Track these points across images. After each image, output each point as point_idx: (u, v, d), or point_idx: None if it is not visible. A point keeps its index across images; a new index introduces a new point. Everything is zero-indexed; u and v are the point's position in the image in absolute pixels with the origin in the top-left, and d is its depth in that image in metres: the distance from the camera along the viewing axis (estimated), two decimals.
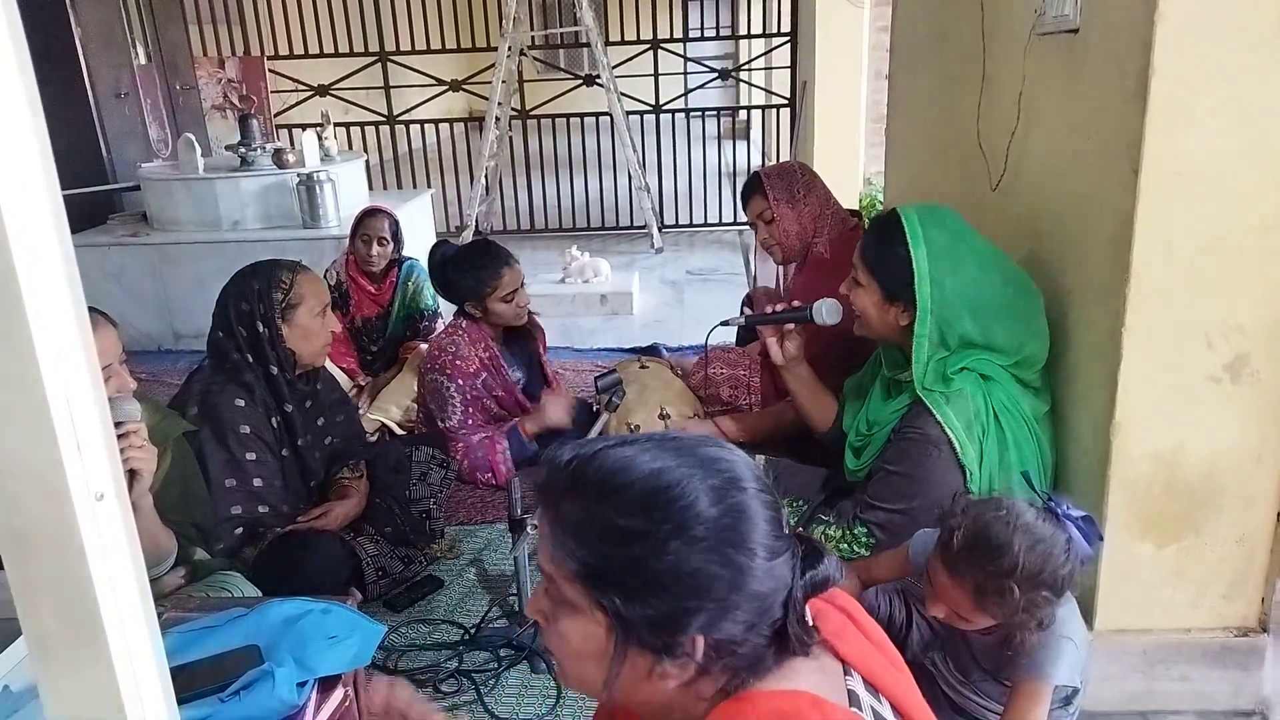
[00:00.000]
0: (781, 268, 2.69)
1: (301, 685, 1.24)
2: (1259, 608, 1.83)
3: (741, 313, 3.44)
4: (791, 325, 2.14)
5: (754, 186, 2.64)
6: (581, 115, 6.68)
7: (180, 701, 0.80)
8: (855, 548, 1.89)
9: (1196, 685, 1.85)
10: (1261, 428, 1.71)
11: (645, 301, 5.10)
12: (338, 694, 1.31)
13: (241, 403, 2.15)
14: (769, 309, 2.15)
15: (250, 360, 2.17)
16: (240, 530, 2.13)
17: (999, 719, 1.48)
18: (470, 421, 2.85)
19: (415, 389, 3.27)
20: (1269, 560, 1.79)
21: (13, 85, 0.62)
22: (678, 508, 0.79)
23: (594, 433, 2.40)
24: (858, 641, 0.94)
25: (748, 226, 6.66)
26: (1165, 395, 1.70)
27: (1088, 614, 1.78)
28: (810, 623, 0.87)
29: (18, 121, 0.63)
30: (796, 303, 2.12)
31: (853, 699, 0.88)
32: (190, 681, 1.19)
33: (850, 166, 6.46)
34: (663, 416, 2.66)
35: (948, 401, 1.75)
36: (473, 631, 2.15)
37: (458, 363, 2.83)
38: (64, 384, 0.67)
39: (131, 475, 1.59)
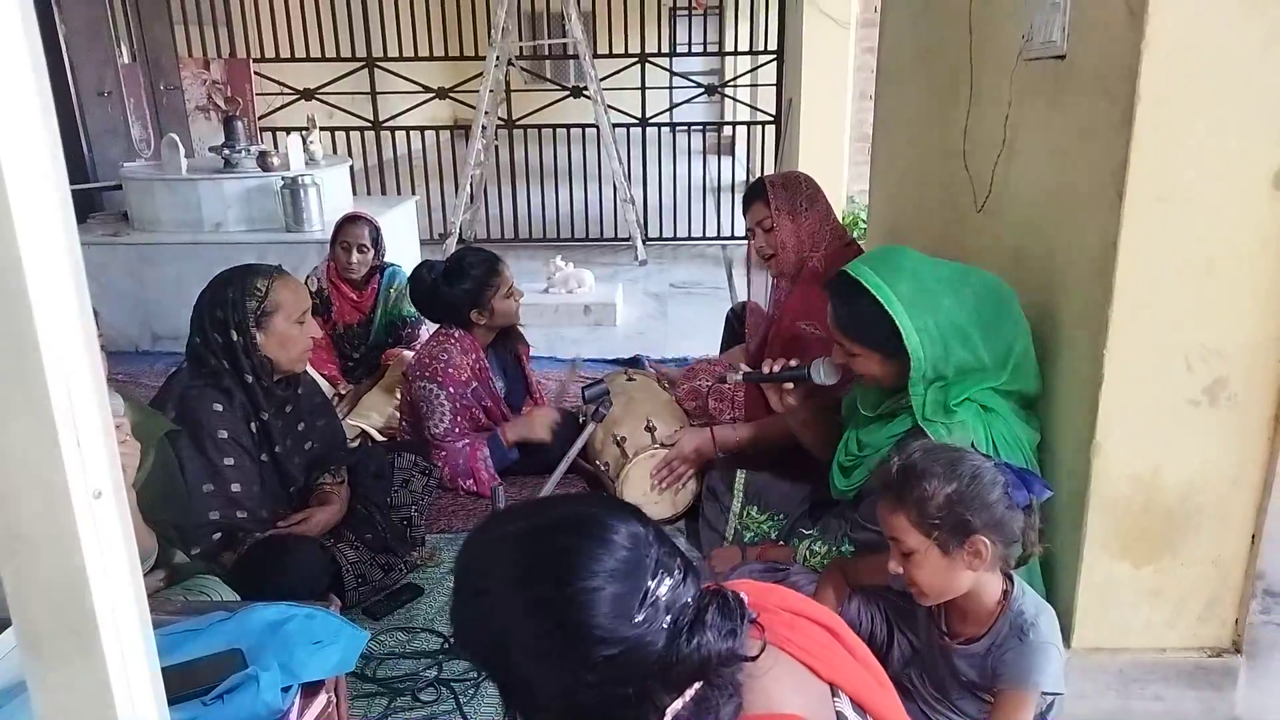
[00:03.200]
0: (773, 281, 2.69)
1: (285, 690, 1.23)
2: (1233, 629, 1.85)
3: (727, 322, 3.48)
4: (790, 385, 2.11)
5: (757, 193, 2.63)
6: (568, 126, 6.70)
7: None
8: None
9: (1170, 704, 1.87)
10: (1239, 450, 1.73)
11: (629, 313, 5.11)
12: (321, 699, 1.31)
13: (219, 407, 2.13)
14: (766, 368, 2.11)
15: (227, 366, 2.15)
16: (218, 535, 2.10)
17: None
18: (456, 430, 2.85)
19: (397, 396, 3.26)
20: (1244, 582, 1.81)
21: (24, 84, 0.62)
22: (498, 629, 0.83)
23: (579, 444, 2.40)
24: (844, 661, 0.94)
25: (731, 242, 6.74)
26: (1145, 417, 1.73)
27: (1064, 632, 1.79)
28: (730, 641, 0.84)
29: (28, 121, 0.63)
30: (794, 362, 2.08)
31: None
32: (172, 684, 1.18)
33: (834, 185, 6.51)
34: (649, 429, 2.66)
35: (949, 432, 1.73)
36: (452, 640, 2.14)
37: (450, 370, 2.82)
38: (66, 381, 0.66)
39: None
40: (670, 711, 0.80)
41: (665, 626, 0.80)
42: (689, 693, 0.81)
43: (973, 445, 1.73)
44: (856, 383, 1.99)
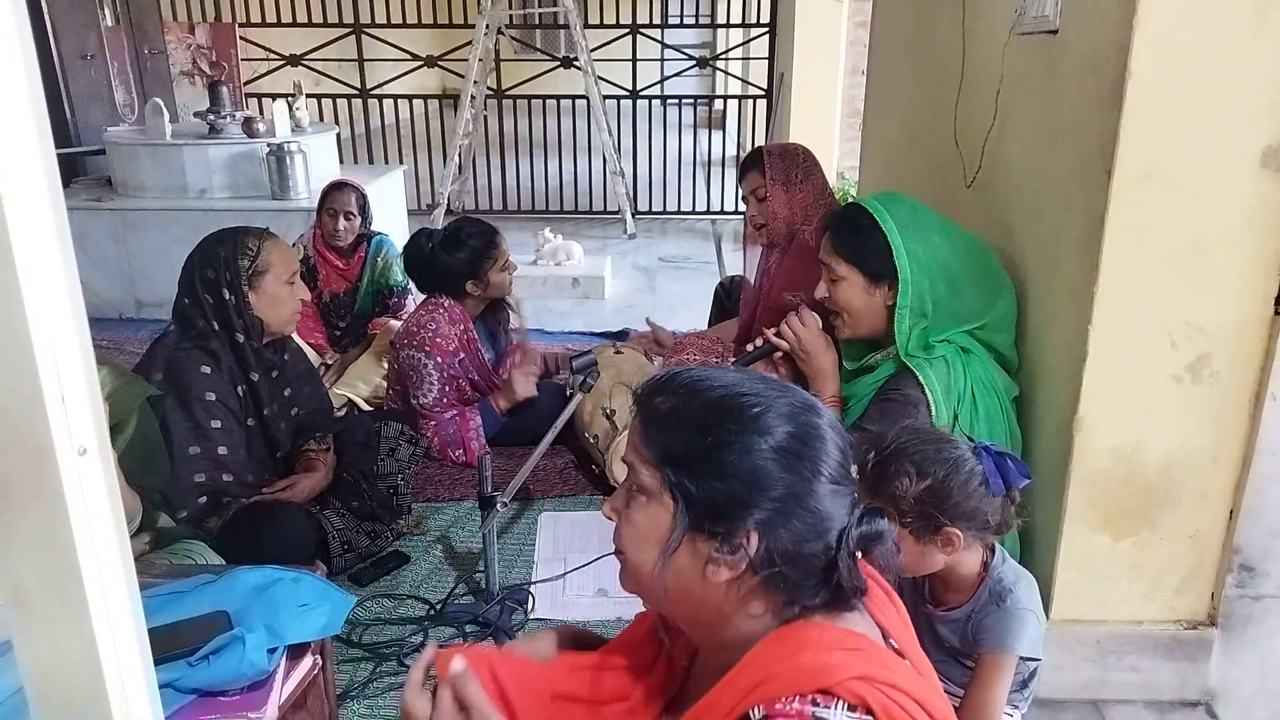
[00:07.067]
0: (764, 252, 2.69)
1: (271, 652, 1.24)
2: (1209, 602, 1.88)
3: (716, 296, 3.49)
4: (779, 354, 2.10)
5: (754, 162, 2.65)
6: (558, 97, 6.65)
7: None
8: None
9: (1146, 676, 1.90)
10: (1219, 427, 1.75)
11: (617, 286, 5.10)
12: (307, 661, 1.31)
13: (207, 370, 2.12)
14: (750, 348, 2.15)
15: (216, 328, 2.14)
16: (204, 499, 2.10)
17: (959, 701, 1.51)
18: (444, 400, 2.85)
19: (383, 366, 3.25)
20: (1220, 556, 1.84)
21: (10, 48, 0.62)
22: (753, 412, 0.87)
23: (566, 415, 2.40)
24: (894, 613, 0.97)
25: (720, 216, 6.72)
26: (1128, 392, 1.74)
27: (1043, 604, 1.82)
28: (860, 573, 0.90)
29: (13, 83, 0.62)
30: (772, 331, 2.08)
31: None
32: (158, 645, 1.18)
33: (824, 160, 6.44)
34: None
35: (930, 365, 1.81)
36: (438, 607, 2.15)
37: (438, 340, 2.82)
38: (50, 338, 0.66)
39: None
40: (744, 539, 0.86)
41: (819, 508, 0.87)
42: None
43: (953, 382, 1.80)
44: (839, 333, 2.00)
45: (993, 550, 1.54)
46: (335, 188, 3.58)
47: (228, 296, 2.13)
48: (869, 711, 0.80)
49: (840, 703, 0.80)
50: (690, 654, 1.01)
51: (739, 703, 0.83)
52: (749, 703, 0.82)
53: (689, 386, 0.91)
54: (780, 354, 2.10)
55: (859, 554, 0.89)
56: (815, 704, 0.80)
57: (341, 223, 3.53)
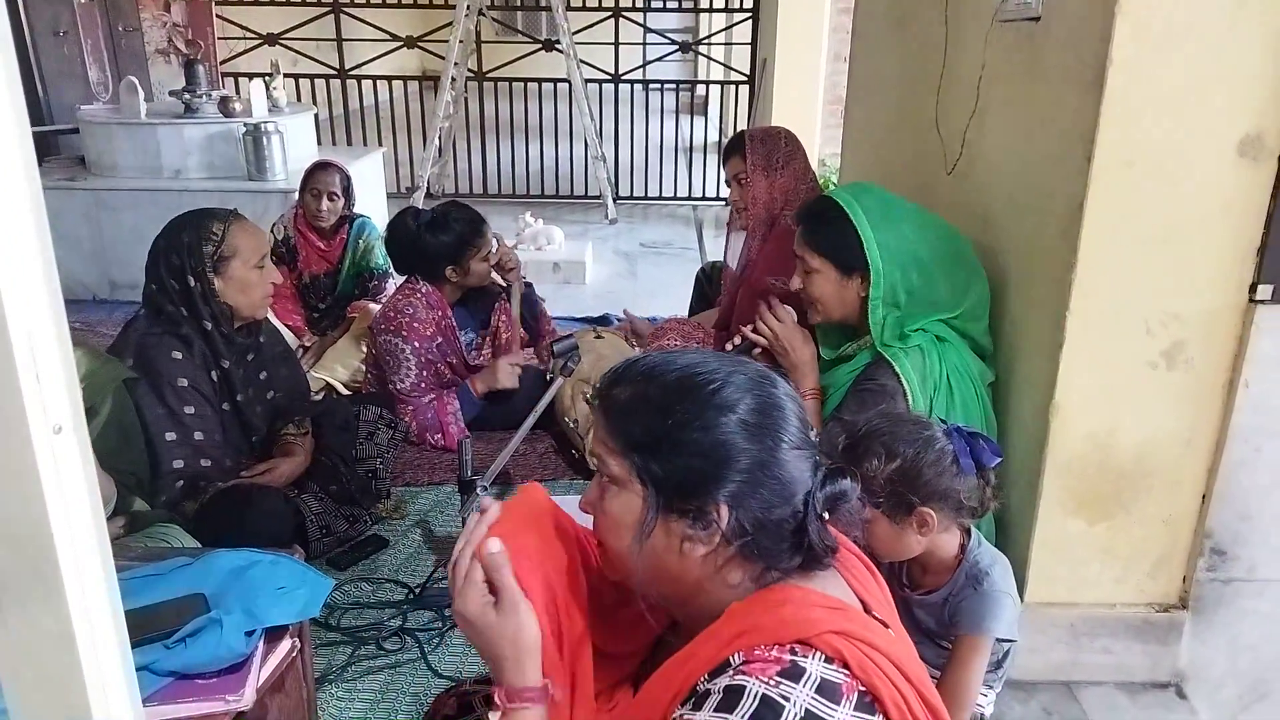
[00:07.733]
0: (745, 237, 2.69)
1: (249, 634, 1.23)
2: (1180, 585, 1.91)
3: (697, 282, 3.49)
4: (757, 350, 2.09)
5: (736, 146, 2.66)
6: (539, 81, 6.60)
7: None
8: None
9: (1118, 658, 1.93)
10: (1193, 413, 1.78)
11: (598, 272, 5.09)
12: (285, 644, 1.31)
13: (179, 355, 2.09)
14: (726, 346, 2.16)
15: (185, 314, 2.10)
16: (181, 484, 2.08)
17: (936, 682, 1.53)
18: (422, 385, 2.83)
19: (362, 349, 3.23)
20: (1192, 540, 1.87)
21: None
22: (710, 389, 0.89)
23: (547, 398, 2.39)
24: (877, 589, 0.99)
25: (701, 202, 6.71)
26: (1104, 379, 1.76)
27: (1018, 586, 1.84)
28: (829, 533, 0.92)
29: None
30: (749, 329, 2.08)
31: None
32: (134, 628, 1.17)
33: (806, 147, 6.47)
34: None
35: (905, 355, 1.82)
36: (417, 591, 2.14)
37: (415, 325, 2.80)
38: (25, 314, 0.65)
39: None
40: (715, 514, 0.88)
41: (783, 475, 0.89)
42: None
43: (929, 370, 1.81)
44: (812, 319, 2.01)
45: (969, 533, 1.56)
46: (319, 168, 3.55)
47: (193, 284, 2.08)
48: (845, 665, 0.83)
49: (817, 654, 0.83)
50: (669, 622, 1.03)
51: (719, 651, 0.85)
52: (729, 650, 0.85)
53: (646, 373, 0.93)
54: (758, 350, 2.10)
55: (826, 515, 0.91)
56: (793, 653, 0.83)
57: (325, 203, 3.49)
